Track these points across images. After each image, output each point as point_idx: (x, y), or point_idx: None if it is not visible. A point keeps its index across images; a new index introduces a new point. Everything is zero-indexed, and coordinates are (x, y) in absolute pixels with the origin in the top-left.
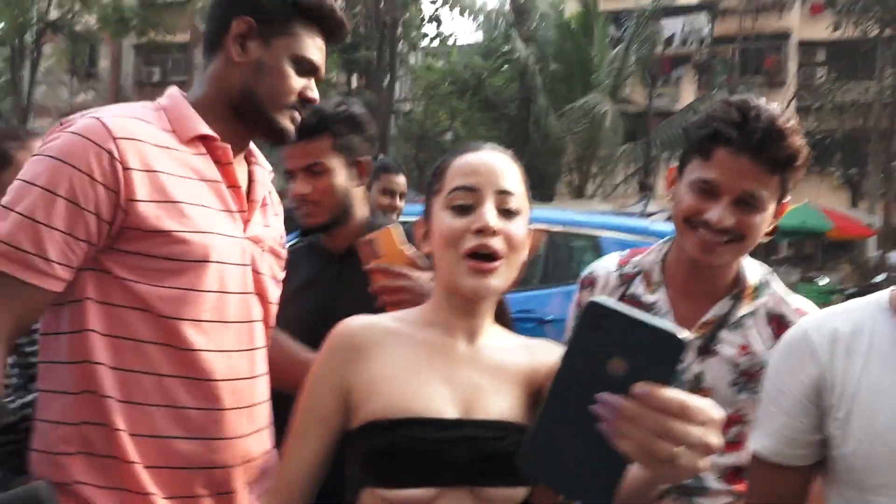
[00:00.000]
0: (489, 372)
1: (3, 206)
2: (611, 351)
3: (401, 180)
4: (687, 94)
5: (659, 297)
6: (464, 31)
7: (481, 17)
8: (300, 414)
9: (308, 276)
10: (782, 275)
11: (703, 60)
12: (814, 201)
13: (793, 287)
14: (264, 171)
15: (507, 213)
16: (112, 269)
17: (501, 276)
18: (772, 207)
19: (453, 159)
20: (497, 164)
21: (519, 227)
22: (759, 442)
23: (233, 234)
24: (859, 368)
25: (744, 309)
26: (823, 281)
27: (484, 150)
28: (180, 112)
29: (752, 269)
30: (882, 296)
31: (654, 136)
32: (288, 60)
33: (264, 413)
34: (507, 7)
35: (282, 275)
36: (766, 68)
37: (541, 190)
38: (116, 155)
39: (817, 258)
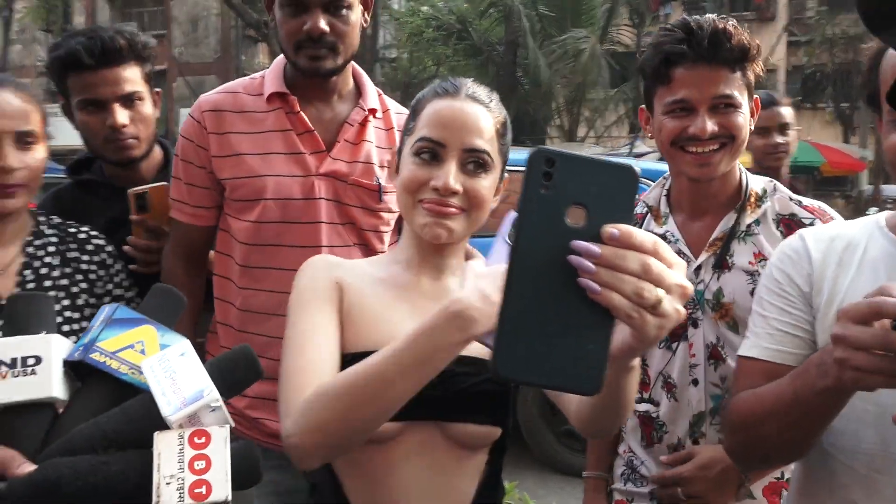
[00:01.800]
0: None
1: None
2: (566, 201)
3: None
4: None
5: (668, 226)
6: None
7: None
8: (298, 328)
9: (112, 216)
10: None
11: None
12: (805, 136)
13: None
14: (363, 112)
15: (473, 168)
16: (225, 208)
17: (458, 224)
18: (746, 103)
19: (430, 101)
20: (469, 119)
21: (484, 184)
22: (751, 348)
23: (295, 174)
24: (849, 279)
25: (750, 217)
26: None
27: (460, 97)
28: (269, 76)
29: (754, 180)
30: (881, 216)
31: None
32: (281, 9)
33: None
34: None
35: (376, 205)
36: (755, 3)
37: (531, 135)
38: (203, 123)
39: (810, 193)
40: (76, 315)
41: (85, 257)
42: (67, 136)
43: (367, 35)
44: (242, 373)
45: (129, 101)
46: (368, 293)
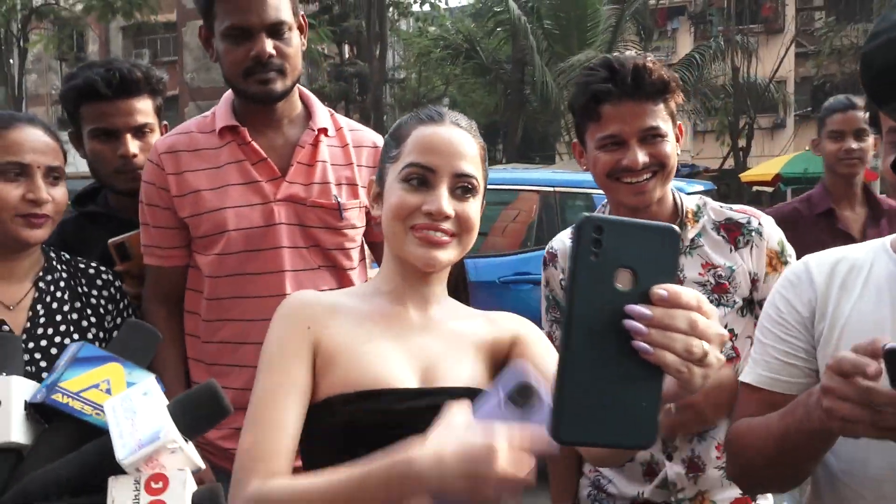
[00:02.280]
0: (445, 340)
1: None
2: (615, 265)
3: None
4: (683, 46)
5: None
6: None
7: None
8: (267, 377)
9: None
10: None
11: (698, 11)
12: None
13: None
14: (313, 133)
15: (462, 193)
16: (192, 246)
17: (452, 250)
18: (671, 131)
19: (414, 127)
20: (457, 144)
21: (473, 207)
22: (751, 374)
23: (253, 203)
24: (852, 303)
25: (691, 232)
26: None
27: (445, 123)
28: (219, 111)
29: (687, 199)
30: (888, 238)
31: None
32: (223, 39)
33: None
34: None
35: (338, 223)
36: (763, 16)
37: (541, 151)
38: (161, 165)
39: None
40: None
41: (94, 292)
42: (80, 163)
43: (375, 57)
44: (206, 410)
45: (141, 132)
46: (355, 331)
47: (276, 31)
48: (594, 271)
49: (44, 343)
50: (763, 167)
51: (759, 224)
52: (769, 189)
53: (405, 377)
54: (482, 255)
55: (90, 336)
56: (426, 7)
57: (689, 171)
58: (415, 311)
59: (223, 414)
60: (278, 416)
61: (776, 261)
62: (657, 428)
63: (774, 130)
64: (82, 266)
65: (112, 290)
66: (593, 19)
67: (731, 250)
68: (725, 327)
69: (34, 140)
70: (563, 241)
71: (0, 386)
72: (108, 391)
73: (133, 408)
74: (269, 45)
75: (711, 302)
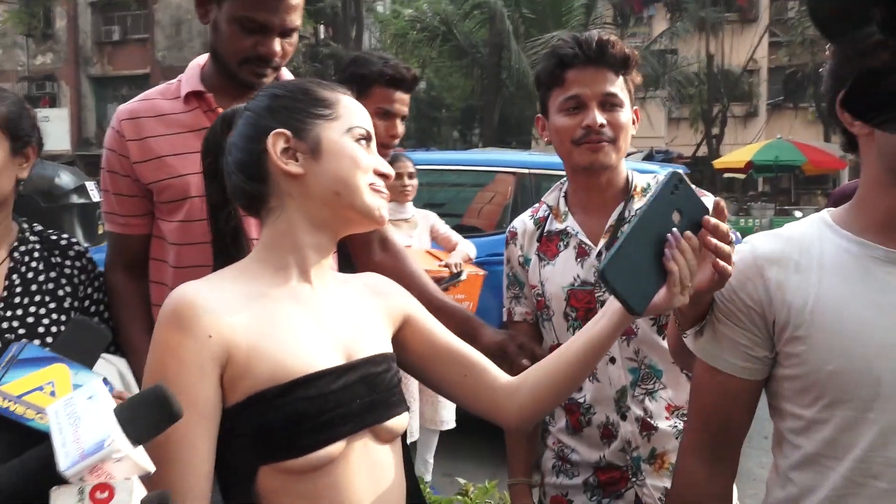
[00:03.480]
0: (350, 309)
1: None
2: (674, 206)
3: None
4: (659, 33)
5: (568, 222)
6: None
7: None
8: None
9: None
10: (759, 210)
11: None
12: (787, 136)
13: (770, 222)
14: None
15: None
16: (156, 213)
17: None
18: (628, 106)
19: (339, 94)
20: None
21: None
22: (705, 347)
23: None
24: (814, 283)
25: (637, 204)
26: (799, 214)
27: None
28: (185, 77)
29: (639, 177)
30: (824, 213)
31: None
32: (232, 21)
33: None
34: None
35: None
36: (738, 4)
37: (517, 136)
38: (122, 132)
39: (791, 192)
40: (63, 318)
41: (67, 262)
42: (48, 141)
43: (350, 38)
44: (156, 416)
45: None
46: (265, 319)
47: (287, 34)
48: (664, 203)
49: (20, 312)
50: (735, 154)
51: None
52: (741, 176)
53: (330, 356)
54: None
55: (66, 305)
56: None
57: (664, 157)
58: (316, 284)
59: (174, 417)
60: (190, 456)
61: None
62: (647, 305)
63: (747, 118)
64: (54, 238)
65: (84, 260)
66: (569, 4)
67: None
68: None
69: None
70: (523, 220)
71: None
72: (53, 394)
73: (77, 413)
74: (278, 46)
75: None
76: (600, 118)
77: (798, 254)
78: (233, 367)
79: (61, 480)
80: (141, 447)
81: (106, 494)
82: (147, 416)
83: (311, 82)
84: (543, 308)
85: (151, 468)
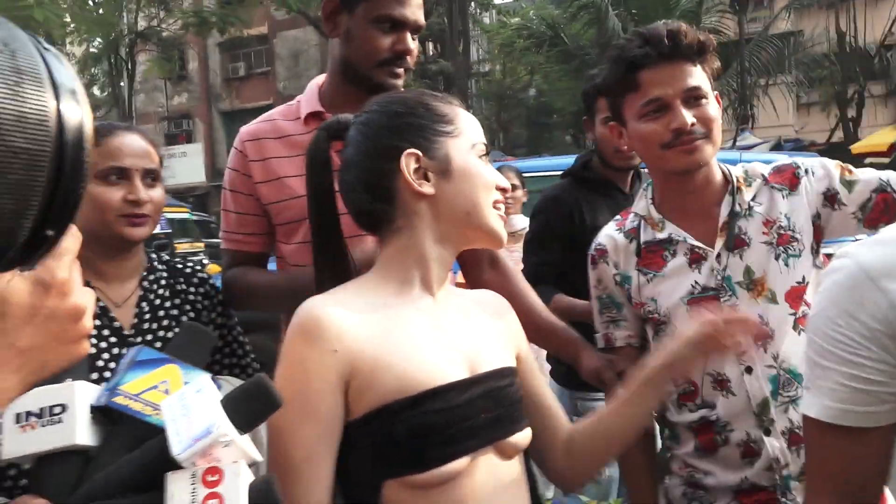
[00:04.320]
0: (469, 322)
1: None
2: None
3: None
4: (782, 16)
5: (669, 229)
6: None
7: None
8: (300, 423)
9: (608, 206)
10: None
11: None
12: None
13: None
14: None
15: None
16: (277, 235)
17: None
18: (712, 95)
19: (455, 106)
20: None
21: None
22: (813, 406)
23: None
24: None
25: (748, 195)
26: None
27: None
28: (304, 99)
29: (733, 168)
30: None
31: (747, 63)
32: (370, 22)
33: None
34: None
35: None
36: None
37: None
38: (245, 152)
39: None
40: None
41: (192, 289)
42: (186, 175)
43: (458, 52)
44: (258, 405)
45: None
46: (390, 332)
47: (416, 30)
48: None
49: (149, 337)
50: (876, 137)
51: (810, 163)
52: (885, 160)
53: (455, 369)
54: None
55: None
56: None
57: (794, 146)
58: (438, 296)
59: (274, 406)
60: (314, 470)
61: (845, 173)
62: None
63: (888, 98)
64: (180, 266)
65: (207, 286)
66: None
67: (785, 195)
68: (802, 280)
69: (132, 145)
70: (610, 236)
71: (65, 391)
72: (167, 391)
73: (188, 405)
74: (413, 43)
75: (779, 258)
76: (689, 117)
77: None
78: (358, 381)
79: (176, 467)
80: (247, 436)
81: (216, 477)
82: (250, 406)
83: (425, 95)
84: (659, 325)
85: (259, 457)
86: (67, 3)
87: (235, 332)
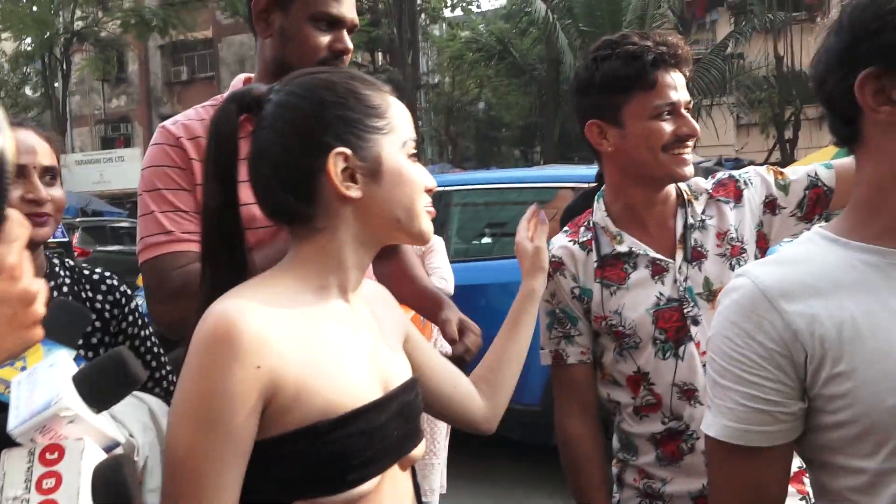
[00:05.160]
0: (376, 327)
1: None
2: None
3: None
4: (723, 37)
5: (629, 243)
6: None
7: None
8: (205, 446)
9: None
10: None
11: (737, 0)
12: None
13: None
14: None
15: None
16: None
17: None
18: None
19: (385, 100)
20: None
21: None
22: (713, 426)
23: None
24: (840, 307)
25: (699, 206)
26: None
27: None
28: None
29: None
30: (818, 229)
31: (690, 82)
32: (307, 21)
33: None
34: None
35: None
36: (807, 2)
37: (578, 151)
38: (185, 149)
39: None
40: (91, 354)
41: (98, 297)
42: (123, 180)
43: (407, 63)
44: (115, 381)
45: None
46: (312, 345)
47: (352, 30)
48: None
49: None
50: (812, 158)
51: (745, 173)
52: None
53: (373, 387)
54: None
55: (94, 341)
56: (458, 12)
57: (734, 166)
58: (352, 302)
59: (134, 383)
60: (219, 492)
61: (779, 176)
62: None
63: (822, 121)
64: (86, 272)
65: (117, 294)
66: (626, 13)
67: (731, 207)
68: None
69: (26, 141)
70: (566, 248)
71: None
72: (24, 368)
73: (36, 380)
74: (349, 43)
75: (732, 268)
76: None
77: (811, 276)
78: (280, 400)
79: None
80: (106, 414)
81: (55, 455)
82: (106, 381)
83: (354, 80)
84: (623, 337)
85: (119, 437)
86: None
87: (150, 342)
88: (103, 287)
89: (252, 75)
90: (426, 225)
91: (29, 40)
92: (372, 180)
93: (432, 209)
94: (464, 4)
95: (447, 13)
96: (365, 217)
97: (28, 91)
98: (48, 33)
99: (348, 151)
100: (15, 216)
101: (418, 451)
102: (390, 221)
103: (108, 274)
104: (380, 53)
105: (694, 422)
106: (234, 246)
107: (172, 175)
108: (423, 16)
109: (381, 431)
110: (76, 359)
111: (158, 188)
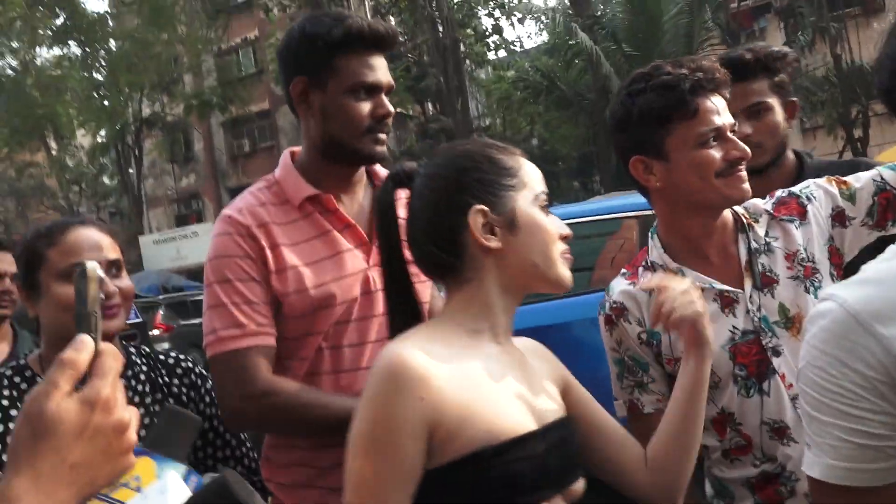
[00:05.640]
0: (529, 373)
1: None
2: None
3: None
4: (775, 44)
5: (691, 277)
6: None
7: (542, 18)
8: (375, 470)
9: None
10: None
11: (785, 5)
12: None
13: None
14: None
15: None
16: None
17: None
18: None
19: (517, 159)
20: None
21: None
22: (816, 466)
23: (351, 272)
24: None
25: (761, 230)
26: None
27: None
28: (289, 182)
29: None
30: None
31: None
32: (346, 94)
33: None
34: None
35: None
36: None
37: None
38: (256, 237)
39: None
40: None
41: (175, 381)
42: (198, 254)
43: (458, 110)
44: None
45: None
46: (470, 380)
47: (389, 93)
48: None
49: None
50: (886, 155)
51: (806, 187)
52: None
53: (526, 418)
54: (592, 290)
55: None
56: (501, 53)
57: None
58: (504, 344)
59: None
60: None
61: (842, 186)
62: None
63: (893, 115)
64: (162, 357)
65: (192, 376)
66: (669, 32)
67: (797, 225)
68: None
69: (90, 239)
70: (627, 293)
71: None
72: (139, 489)
73: None
74: (389, 106)
75: (810, 291)
76: (742, 147)
77: None
78: (443, 429)
79: None
80: None
81: None
82: None
83: (489, 147)
84: None
85: None
86: (75, 97)
87: None
88: (179, 370)
89: (298, 149)
90: (563, 271)
91: (103, 132)
92: (509, 232)
93: (570, 256)
94: (507, 45)
95: (491, 55)
96: (506, 266)
97: (105, 180)
98: (120, 124)
99: (486, 208)
100: (109, 350)
101: (580, 486)
102: (529, 268)
103: (182, 357)
104: (429, 103)
105: (790, 462)
106: (408, 300)
107: (244, 265)
108: (467, 62)
109: (542, 460)
110: (186, 474)
111: (229, 279)
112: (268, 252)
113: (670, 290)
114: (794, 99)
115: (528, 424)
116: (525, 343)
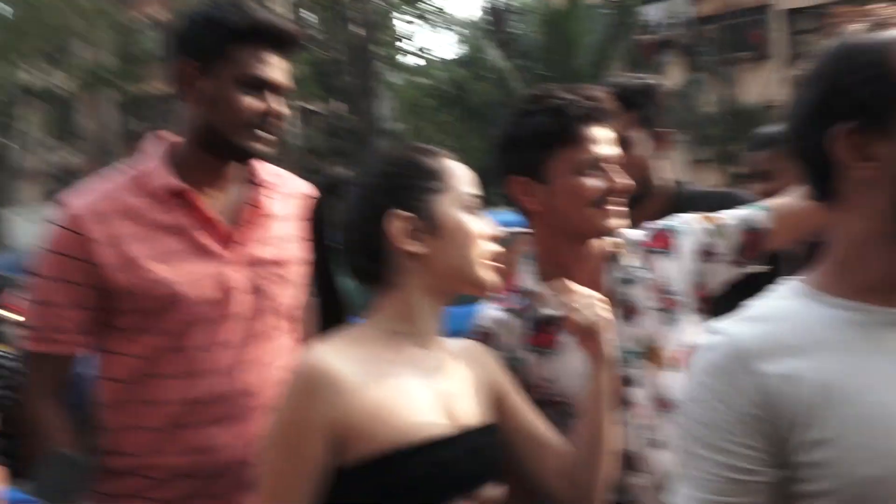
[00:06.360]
0: (453, 377)
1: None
2: None
3: None
4: (675, 78)
5: (555, 302)
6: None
7: (457, 29)
8: (281, 466)
9: None
10: None
11: (686, 42)
12: None
13: None
14: (270, 191)
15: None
16: (119, 324)
17: None
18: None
19: (441, 162)
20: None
21: None
22: (687, 500)
23: (203, 270)
24: (820, 368)
25: (630, 261)
26: None
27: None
28: (151, 170)
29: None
30: (795, 283)
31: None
32: (235, 85)
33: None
34: (482, 14)
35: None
36: (751, 42)
37: None
38: (86, 233)
39: None
40: None
41: None
42: None
43: (367, 111)
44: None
45: None
46: (386, 382)
47: (283, 93)
48: None
49: None
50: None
51: (679, 222)
52: None
53: (439, 421)
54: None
55: None
56: (415, 59)
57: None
58: (428, 348)
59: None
60: None
61: (712, 223)
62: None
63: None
64: None
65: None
66: (581, 56)
67: (665, 258)
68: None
69: None
70: (493, 317)
71: None
72: None
73: None
74: (282, 107)
75: (670, 322)
76: (626, 179)
77: (789, 334)
78: (353, 430)
79: None
80: None
81: None
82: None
83: (414, 151)
84: (562, 406)
85: None
86: None
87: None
88: None
89: (168, 134)
90: (483, 273)
91: None
92: (432, 236)
93: (497, 262)
94: (419, 52)
95: (405, 60)
96: (430, 270)
97: None
98: None
99: (407, 213)
100: None
101: (493, 493)
102: (451, 271)
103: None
104: (340, 102)
105: (643, 493)
106: (334, 303)
107: (67, 266)
108: (378, 64)
109: (454, 464)
110: None
111: (45, 275)
112: (102, 247)
113: (579, 293)
114: (666, 130)
115: (441, 428)
116: (463, 346)
